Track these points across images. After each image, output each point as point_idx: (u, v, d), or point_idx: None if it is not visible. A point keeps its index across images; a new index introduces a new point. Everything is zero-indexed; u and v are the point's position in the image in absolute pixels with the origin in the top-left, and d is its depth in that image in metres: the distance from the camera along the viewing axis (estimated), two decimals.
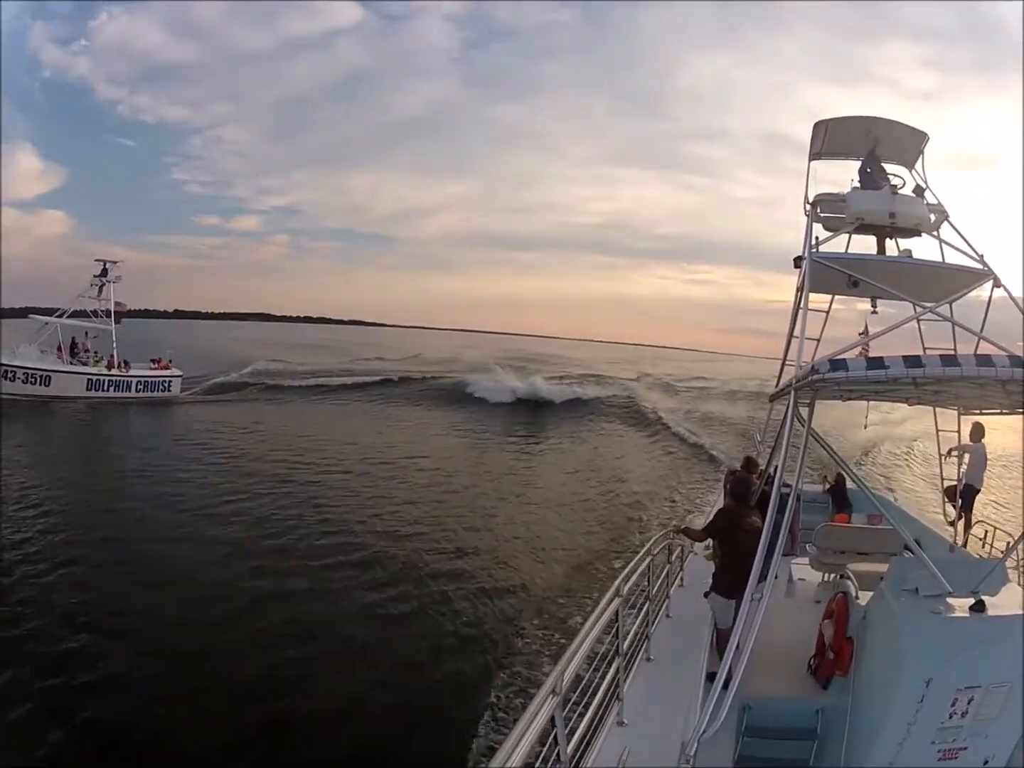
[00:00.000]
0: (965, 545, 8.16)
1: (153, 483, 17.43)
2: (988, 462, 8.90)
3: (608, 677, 4.48)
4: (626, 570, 5.10)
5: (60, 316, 31.96)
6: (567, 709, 3.28)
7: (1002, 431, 10.54)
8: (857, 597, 4.90)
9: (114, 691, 7.73)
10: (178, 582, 10.86)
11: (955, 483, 8.54)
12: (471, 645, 9.44)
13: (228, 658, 8.71)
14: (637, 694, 4.87)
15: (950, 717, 3.91)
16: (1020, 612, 4.05)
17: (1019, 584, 5.20)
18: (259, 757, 6.91)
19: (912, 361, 4.06)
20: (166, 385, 34.11)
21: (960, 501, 8.43)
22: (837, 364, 4.20)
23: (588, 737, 3.99)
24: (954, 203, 6.78)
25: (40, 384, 29.11)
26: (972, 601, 4.02)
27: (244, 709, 7.56)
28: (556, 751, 3.16)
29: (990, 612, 3.98)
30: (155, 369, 34.31)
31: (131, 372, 32.71)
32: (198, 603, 10.12)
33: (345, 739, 7.27)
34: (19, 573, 10.67)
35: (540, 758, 3.08)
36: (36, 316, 32.99)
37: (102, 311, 33.20)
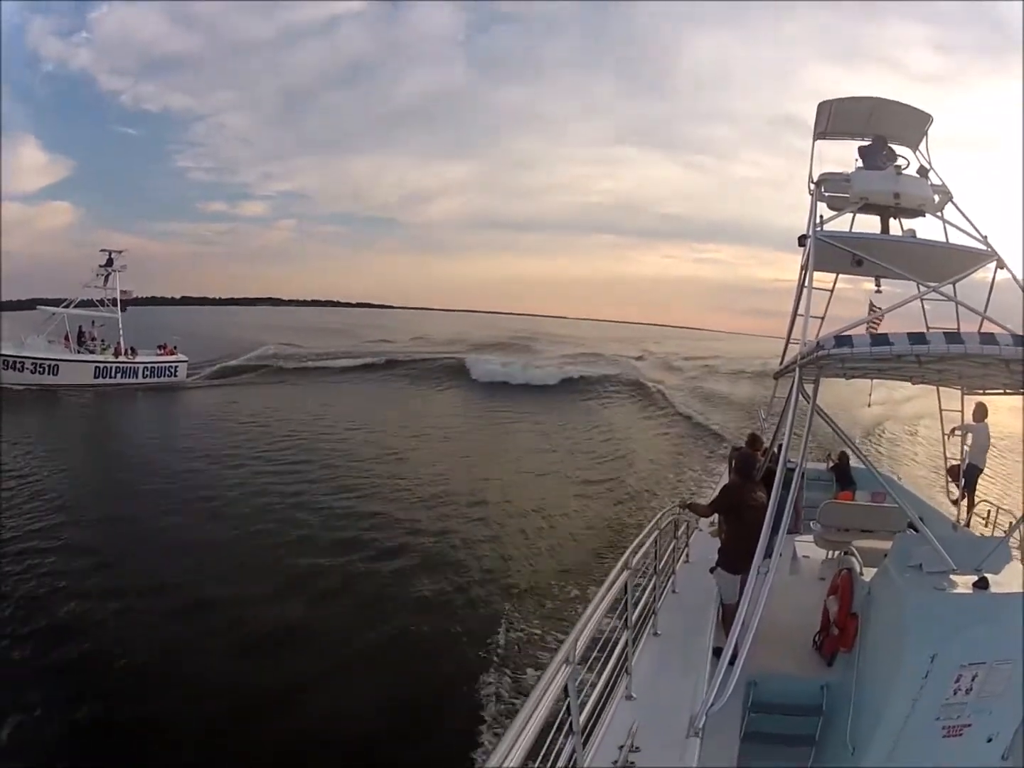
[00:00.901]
0: (968, 524, 8.16)
1: (156, 465, 17.86)
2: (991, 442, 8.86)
3: (616, 651, 4.51)
4: (634, 544, 5.10)
5: (67, 306, 32.37)
6: (578, 681, 3.28)
7: (1002, 412, 10.44)
8: (861, 573, 4.92)
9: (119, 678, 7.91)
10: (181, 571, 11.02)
11: (958, 463, 8.52)
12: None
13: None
14: (645, 668, 4.90)
15: (954, 693, 3.95)
16: (1023, 590, 4.08)
17: (1022, 563, 5.17)
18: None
19: (916, 338, 4.07)
20: (172, 371, 34.66)
21: (963, 480, 8.42)
22: (842, 340, 4.20)
23: (598, 709, 4.03)
24: (958, 184, 6.73)
25: (48, 373, 29.61)
26: (975, 578, 4.05)
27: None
28: (569, 721, 3.19)
29: (993, 589, 4.01)
30: (161, 355, 34.81)
31: (137, 359, 33.32)
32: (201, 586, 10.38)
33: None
34: (27, 560, 10.87)
35: (555, 727, 3.10)
36: (43, 307, 33.44)
37: (108, 300, 33.71)
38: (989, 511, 7.95)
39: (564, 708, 3.10)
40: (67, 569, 10.56)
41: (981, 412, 8.31)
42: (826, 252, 5.99)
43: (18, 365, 28.79)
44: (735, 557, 5.40)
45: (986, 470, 9.20)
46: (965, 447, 8.51)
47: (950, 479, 8.70)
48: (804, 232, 6.20)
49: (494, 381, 38.13)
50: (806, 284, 5.82)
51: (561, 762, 3.12)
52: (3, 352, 28.47)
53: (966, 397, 7.81)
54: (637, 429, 26.70)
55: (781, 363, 6.74)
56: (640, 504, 15.55)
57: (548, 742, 3.05)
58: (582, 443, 23.52)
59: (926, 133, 7.28)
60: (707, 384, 38.47)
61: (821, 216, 6.33)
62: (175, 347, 35.71)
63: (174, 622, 9.14)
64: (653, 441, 24.22)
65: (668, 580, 6.65)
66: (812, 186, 6.88)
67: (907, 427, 25.50)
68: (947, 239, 6.45)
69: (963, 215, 6.47)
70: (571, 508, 15.25)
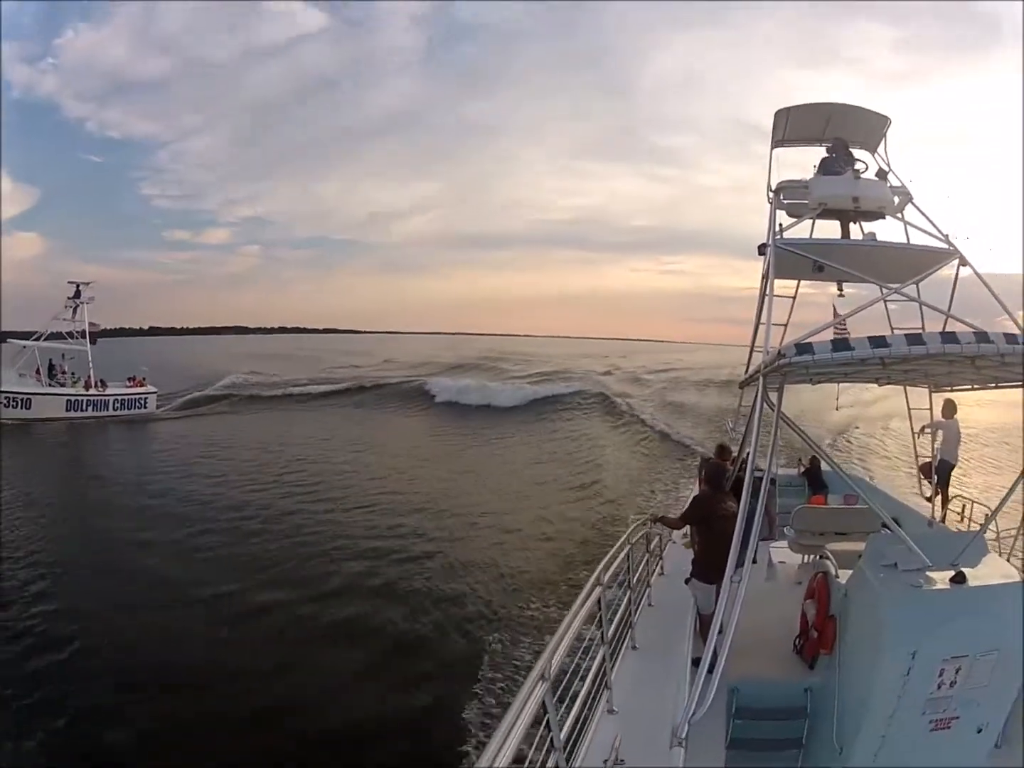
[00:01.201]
0: (943, 520, 8.23)
1: (130, 496, 17.87)
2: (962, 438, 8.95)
3: (595, 666, 4.48)
4: (606, 559, 5.04)
5: (37, 339, 32.34)
6: (556, 696, 3.26)
7: (967, 405, 10.88)
8: (837, 576, 4.93)
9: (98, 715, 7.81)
10: (156, 594, 11.16)
11: (930, 460, 8.66)
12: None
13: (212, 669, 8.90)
14: (624, 681, 4.86)
15: (938, 688, 3.99)
16: (1001, 582, 4.17)
17: (999, 555, 5.29)
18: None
19: (878, 342, 4.11)
20: (142, 402, 34.55)
21: (936, 477, 8.54)
22: (803, 348, 4.21)
23: (579, 724, 3.98)
24: (926, 181, 6.84)
25: (21, 407, 29.55)
26: (952, 573, 4.10)
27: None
28: (550, 736, 3.16)
29: (971, 583, 4.06)
30: (131, 387, 34.71)
31: (108, 391, 33.22)
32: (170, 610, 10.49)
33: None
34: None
35: (535, 744, 3.08)
36: (14, 341, 33.37)
37: (77, 332, 33.61)
38: (964, 506, 7.95)
39: (544, 724, 3.07)
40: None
41: (950, 409, 8.38)
42: (787, 260, 6.03)
43: None
44: (709, 567, 5.40)
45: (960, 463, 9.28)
46: (936, 444, 8.62)
47: (923, 476, 8.80)
48: (764, 241, 6.26)
49: (459, 402, 38.37)
50: (768, 292, 5.83)
51: None
52: None
53: (934, 395, 7.89)
54: (606, 444, 26.71)
55: (746, 372, 6.72)
56: (612, 517, 15.55)
57: (528, 761, 3.03)
58: (551, 461, 23.57)
59: (885, 135, 7.36)
60: (674, 396, 38.75)
61: (780, 224, 6.39)
62: (144, 379, 35.59)
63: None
64: (622, 455, 24.28)
65: (643, 593, 6.60)
66: (771, 194, 6.92)
67: (878, 427, 25.82)
68: (908, 239, 6.55)
69: (924, 215, 6.57)
70: (542, 526, 15.22)
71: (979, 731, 4.22)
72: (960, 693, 4.06)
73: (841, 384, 7.60)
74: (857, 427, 25.82)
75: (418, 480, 20.10)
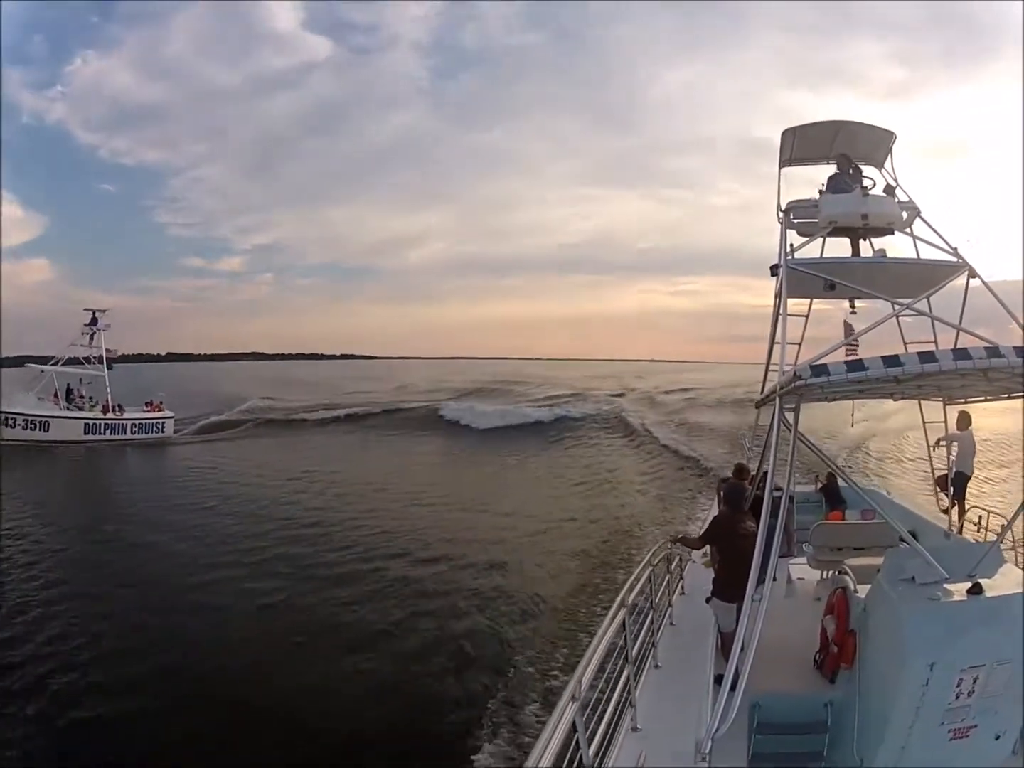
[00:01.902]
0: (960, 531, 8.18)
1: (147, 518, 18.06)
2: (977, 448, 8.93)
3: (619, 685, 4.56)
4: (629, 581, 5.18)
5: (55, 364, 32.87)
6: (584, 717, 3.36)
7: (988, 415, 10.72)
8: (856, 591, 4.96)
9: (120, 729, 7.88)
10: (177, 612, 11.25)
11: (945, 472, 8.61)
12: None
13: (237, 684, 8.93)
14: (648, 700, 4.94)
15: (956, 698, 4.00)
16: (1018, 591, 4.16)
17: (1016, 565, 5.37)
18: None
19: (891, 361, 4.15)
20: (160, 427, 34.84)
21: (952, 489, 8.50)
22: (818, 369, 4.27)
23: (605, 743, 4.06)
24: (929, 194, 7.03)
25: (40, 430, 30.02)
26: (969, 585, 4.12)
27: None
28: (579, 755, 3.25)
29: (988, 593, 4.08)
30: (148, 412, 35.06)
31: (125, 415, 33.57)
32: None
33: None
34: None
35: (567, 761, 3.16)
36: (32, 365, 34.16)
37: (94, 358, 34.13)
38: (980, 516, 7.95)
39: (573, 743, 3.18)
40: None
41: (965, 420, 8.39)
42: (799, 279, 6.10)
43: (10, 421, 29.30)
44: (729, 586, 5.45)
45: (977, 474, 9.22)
46: (951, 456, 8.59)
47: (939, 488, 8.76)
48: (775, 261, 6.31)
49: (471, 425, 38.46)
50: (781, 312, 5.91)
51: None
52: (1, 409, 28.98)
53: (948, 407, 7.88)
54: (623, 465, 26.61)
55: (762, 391, 6.76)
56: (631, 538, 15.49)
57: None
58: (568, 482, 23.48)
59: (891, 150, 7.42)
60: (690, 416, 38.52)
61: (791, 244, 6.46)
62: (161, 403, 35.93)
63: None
64: (639, 476, 24.12)
65: (665, 613, 6.70)
66: (781, 214, 6.98)
67: (892, 441, 25.57)
68: (918, 254, 6.62)
69: (932, 229, 6.62)
70: (562, 546, 15.16)
71: (997, 738, 4.22)
72: (977, 702, 4.06)
73: (856, 400, 7.67)
74: (872, 442, 25.53)
75: (435, 501, 20.23)
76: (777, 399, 4.87)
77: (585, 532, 16.43)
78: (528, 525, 17.29)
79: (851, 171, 7.03)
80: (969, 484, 8.80)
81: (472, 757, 7.35)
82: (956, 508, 8.49)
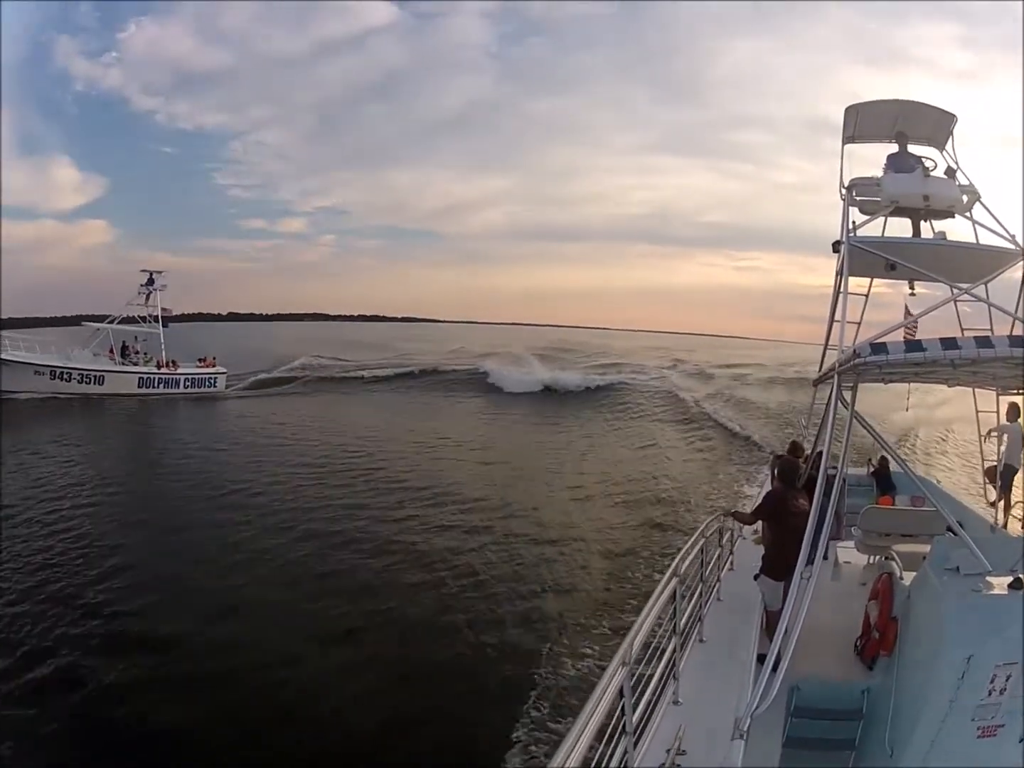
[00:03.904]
0: (1005, 525, 8.07)
1: (196, 466, 19.16)
2: None
3: (665, 656, 4.59)
4: (682, 551, 5.21)
5: (111, 322, 34.43)
6: (631, 682, 3.41)
7: None
8: (901, 578, 4.97)
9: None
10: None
11: (995, 464, 8.44)
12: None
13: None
14: (691, 674, 4.98)
15: (989, 694, 3.96)
16: None
17: None
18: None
19: (948, 343, 4.17)
20: (212, 381, 36.15)
21: (1000, 482, 8.34)
22: (878, 348, 4.31)
23: (648, 712, 4.12)
24: (990, 182, 6.74)
25: (94, 383, 31.66)
26: (1011, 579, 4.06)
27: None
28: (623, 721, 3.28)
29: None
30: (201, 367, 36.41)
31: (179, 370, 34.96)
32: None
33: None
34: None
35: (611, 727, 3.20)
36: (88, 323, 35.81)
37: (151, 317, 35.49)
38: None
39: (619, 709, 3.20)
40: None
41: (1014, 412, 8.28)
42: (860, 257, 6.05)
43: (65, 375, 30.84)
44: (778, 564, 5.47)
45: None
46: (1001, 448, 8.41)
47: (987, 480, 8.60)
48: (838, 238, 6.26)
49: (514, 391, 38.73)
50: (841, 290, 5.88)
51: (614, 762, 3.22)
52: (52, 364, 30.60)
53: (1001, 397, 7.72)
54: (670, 437, 26.43)
55: (820, 370, 6.78)
56: (676, 511, 15.40)
57: (604, 741, 3.16)
58: (615, 451, 23.41)
59: (952, 133, 7.27)
60: (740, 392, 37.64)
61: (853, 221, 6.38)
62: (214, 359, 37.26)
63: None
64: (687, 450, 23.95)
65: (714, 588, 6.71)
66: (843, 191, 6.89)
67: (940, 431, 24.90)
68: (977, 239, 6.47)
69: (991, 215, 6.48)
70: (612, 517, 15.05)
71: (1021, 740, 4.13)
72: (1008, 701, 4.02)
73: (911, 384, 7.65)
74: (920, 430, 24.66)
75: (476, 464, 20.44)
76: (836, 377, 4.93)
77: (633, 500, 16.38)
78: (581, 492, 17.36)
79: (911, 152, 6.90)
80: (1017, 477, 8.63)
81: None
82: (1003, 501, 8.34)
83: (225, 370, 37.23)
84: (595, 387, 38.78)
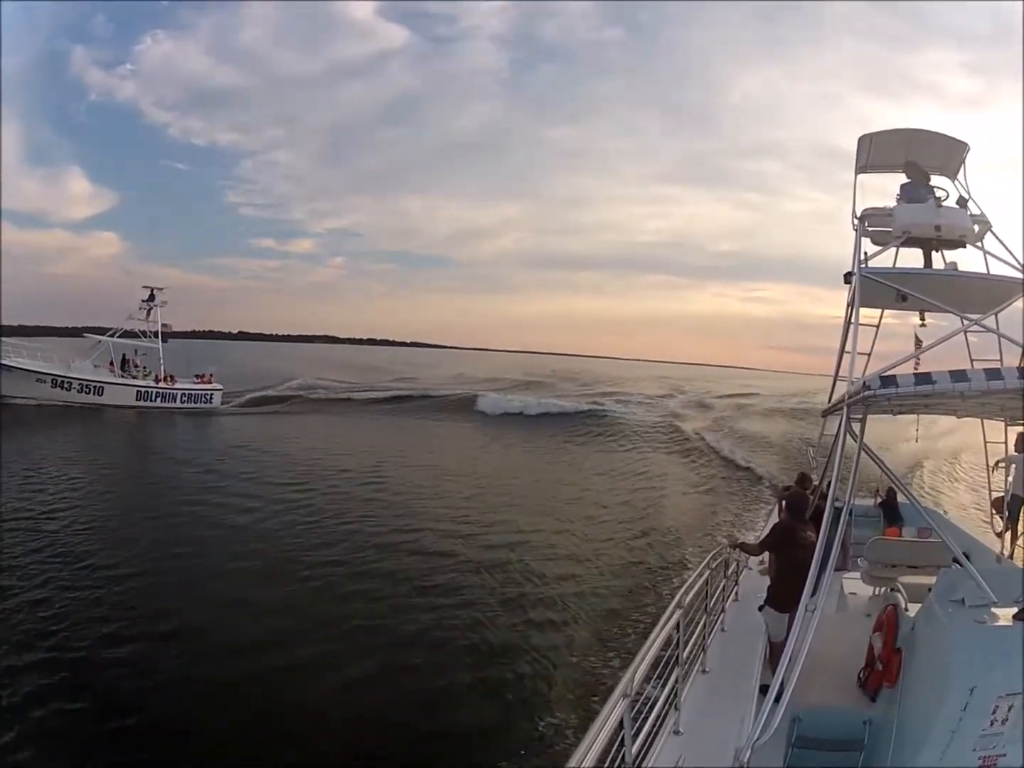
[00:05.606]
0: (1012, 556, 7.98)
1: (187, 478, 19.47)
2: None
3: (667, 686, 4.59)
4: (687, 583, 5.25)
5: (112, 336, 35.08)
6: (632, 713, 3.41)
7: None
8: (907, 609, 4.96)
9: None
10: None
11: (1002, 494, 8.38)
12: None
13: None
14: (693, 704, 4.98)
15: (991, 724, 3.92)
16: None
17: None
18: None
19: (958, 376, 4.17)
20: (208, 397, 36.48)
21: (1007, 512, 8.22)
22: (887, 380, 4.29)
23: (648, 743, 4.09)
24: (1002, 209, 6.82)
25: (94, 394, 32.42)
26: (1016, 610, 4.04)
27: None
28: (623, 752, 3.26)
29: None
30: (198, 383, 36.80)
31: (176, 385, 35.38)
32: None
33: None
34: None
35: (609, 758, 3.16)
36: (89, 335, 36.54)
37: (151, 332, 36.17)
38: None
39: (619, 740, 3.19)
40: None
41: (1021, 442, 8.19)
42: (871, 288, 6.04)
43: (66, 384, 31.70)
44: (784, 595, 5.44)
45: None
46: (1008, 478, 8.31)
47: (995, 511, 8.58)
48: (848, 268, 6.27)
49: (504, 414, 39.10)
50: (852, 320, 5.87)
51: None
52: (53, 372, 31.37)
53: (1009, 428, 7.75)
54: (669, 466, 26.16)
55: (829, 401, 6.78)
56: (673, 541, 15.01)
57: None
58: (612, 481, 23.03)
59: (964, 162, 7.30)
60: (741, 424, 37.36)
61: (865, 252, 6.38)
62: (211, 376, 37.57)
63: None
64: (688, 479, 23.65)
65: (718, 618, 6.71)
66: (856, 221, 6.90)
67: (946, 461, 24.64)
68: (988, 269, 6.49)
69: (1003, 244, 6.52)
70: (609, 548, 14.59)
71: None
72: (1009, 731, 3.96)
73: (920, 416, 7.66)
74: (926, 461, 24.25)
75: (462, 488, 20.22)
76: (845, 408, 4.90)
77: (628, 532, 15.89)
78: (577, 522, 16.89)
79: (922, 181, 6.86)
80: None
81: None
82: (1009, 532, 8.25)
83: (221, 387, 37.55)
84: (585, 411, 39.23)
